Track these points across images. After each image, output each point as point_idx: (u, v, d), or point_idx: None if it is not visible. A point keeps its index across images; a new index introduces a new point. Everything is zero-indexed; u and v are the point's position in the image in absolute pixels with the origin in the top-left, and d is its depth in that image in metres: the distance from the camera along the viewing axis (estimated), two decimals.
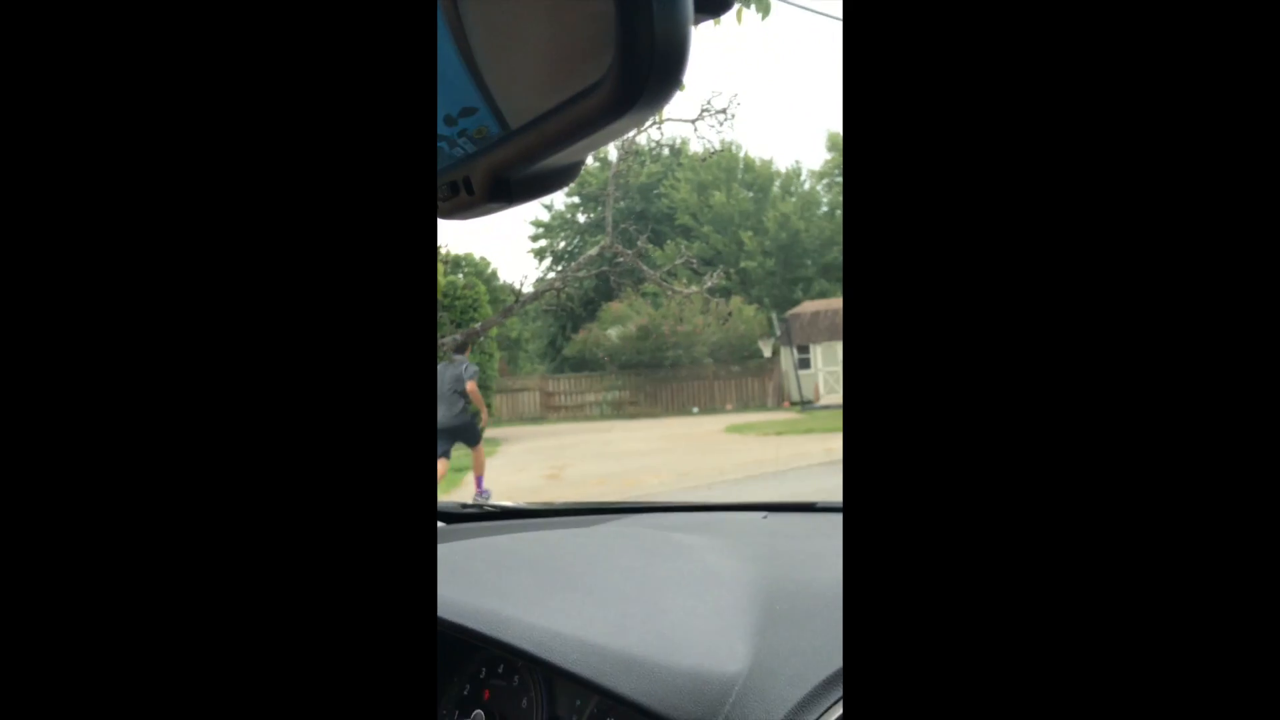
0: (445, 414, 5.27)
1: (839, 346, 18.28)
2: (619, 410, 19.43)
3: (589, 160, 0.57)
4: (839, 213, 25.23)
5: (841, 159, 26.42)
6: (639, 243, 6.03)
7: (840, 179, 27.15)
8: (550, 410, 19.61)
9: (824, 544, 1.02)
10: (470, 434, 5.55)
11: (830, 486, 6.27)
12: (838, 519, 1.22)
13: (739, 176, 26.09)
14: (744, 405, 18.68)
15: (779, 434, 10.90)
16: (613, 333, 20.08)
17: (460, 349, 5.66)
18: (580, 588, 0.87)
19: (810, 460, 7.98)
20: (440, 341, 5.51)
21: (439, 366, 5.36)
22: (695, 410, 18.78)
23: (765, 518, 1.25)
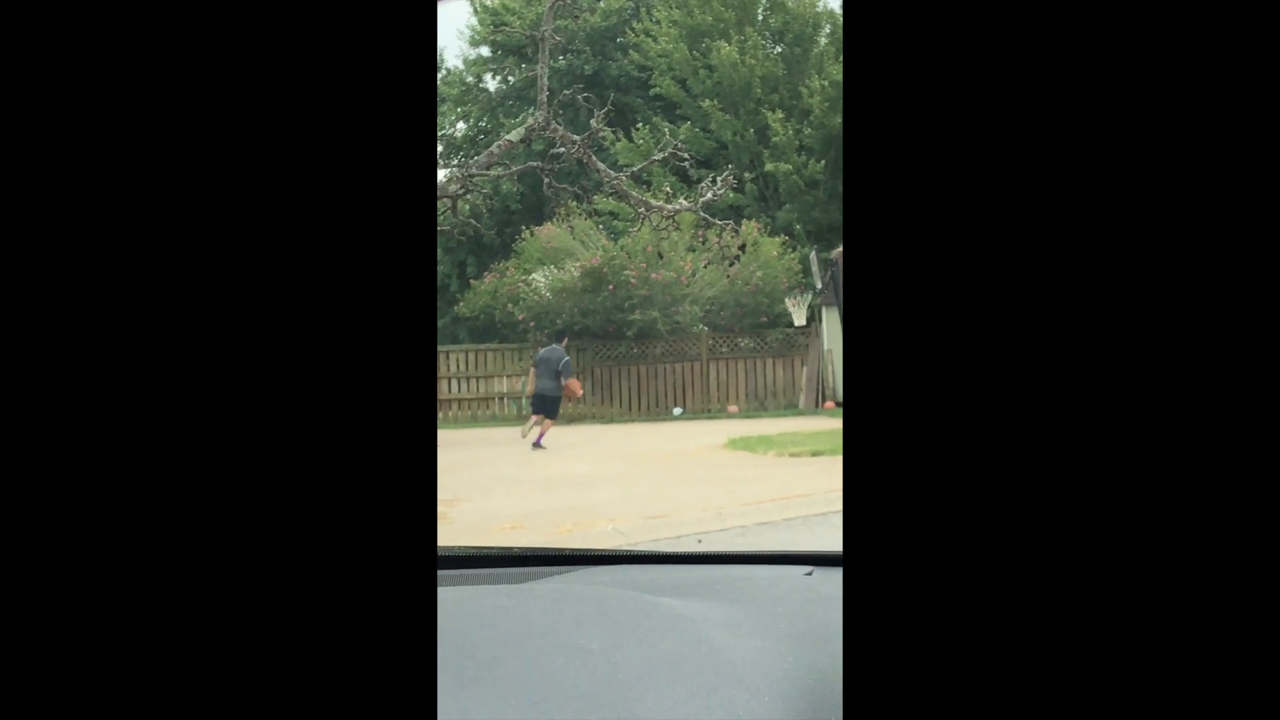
0: (549, 386, 13.08)
1: None
2: None
3: None
4: None
5: None
6: (593, 123, 5.94)
7: None
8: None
9: None
10: (555, 407, 13.43)
11: None
12: None
13: (760, 18, 26.14)
14: (759, 405, 18.90)
15: (816, 453, 11.05)
16: (540, 278, 19.98)
17: (559, 338, 14.41)
18: (498, 681, 0.90)
19: None
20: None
21: (545, 350, 13.64)
22: (678, 411, 18.95)
23: (810, 574, 1.30)
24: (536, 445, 12.97)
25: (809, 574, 1.29)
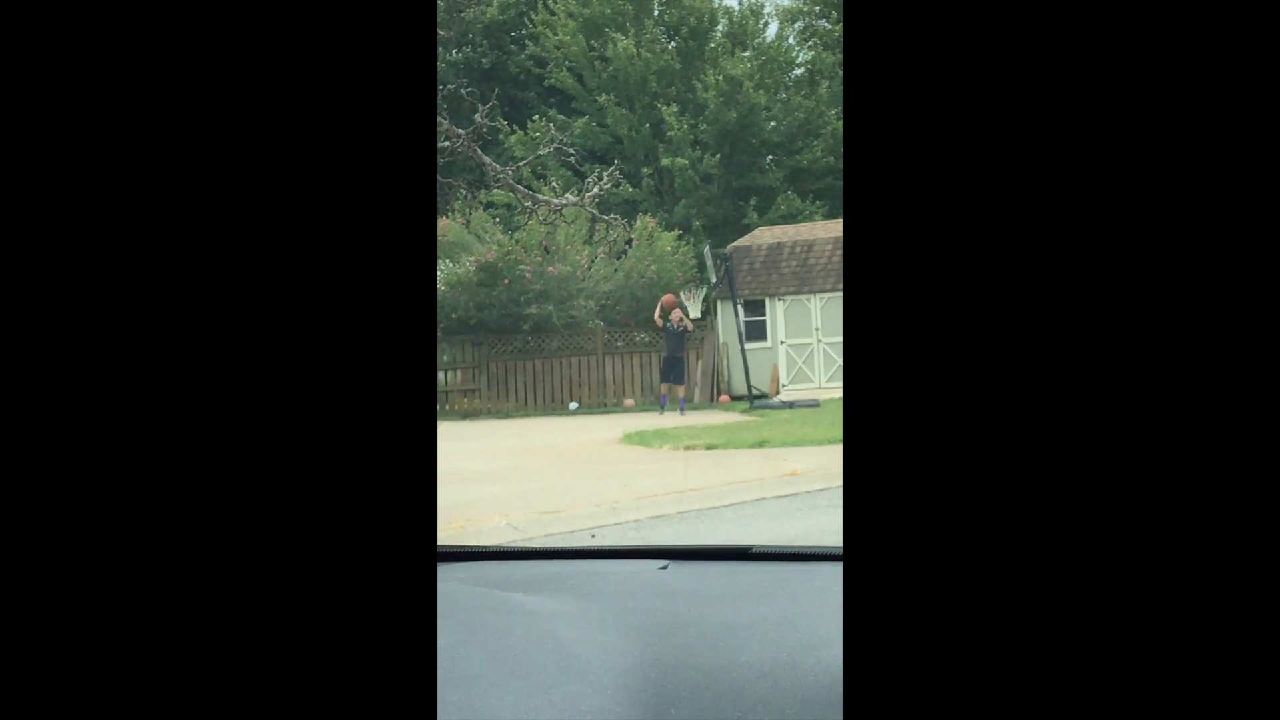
0: (671, 352, 17.05)
1: (813, 304, 18.70)
2: (445, 404, 19.31)
3: None
4: (826, 83, 25.47)
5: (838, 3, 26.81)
6: (477, 117, 5.90)
7: (829, 28, 27.56)
8: None
9: (759, 610, 1.06)
10: (682, 371, 17.07)
11: (792, 533, 6.46)
12: (786, 572, 1.27)
13: (656, 13, 26.18)
14: (654, 399, 18.94)
15: (711, 447, 11.14)
16: (436, 271, 19.77)
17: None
18: None
19: (762, 490, 8.19)
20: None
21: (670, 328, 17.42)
22: (574, 406, 18.93)
23: (664, 568, 1.31)
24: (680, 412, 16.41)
25: (663, 568, 1.29)
